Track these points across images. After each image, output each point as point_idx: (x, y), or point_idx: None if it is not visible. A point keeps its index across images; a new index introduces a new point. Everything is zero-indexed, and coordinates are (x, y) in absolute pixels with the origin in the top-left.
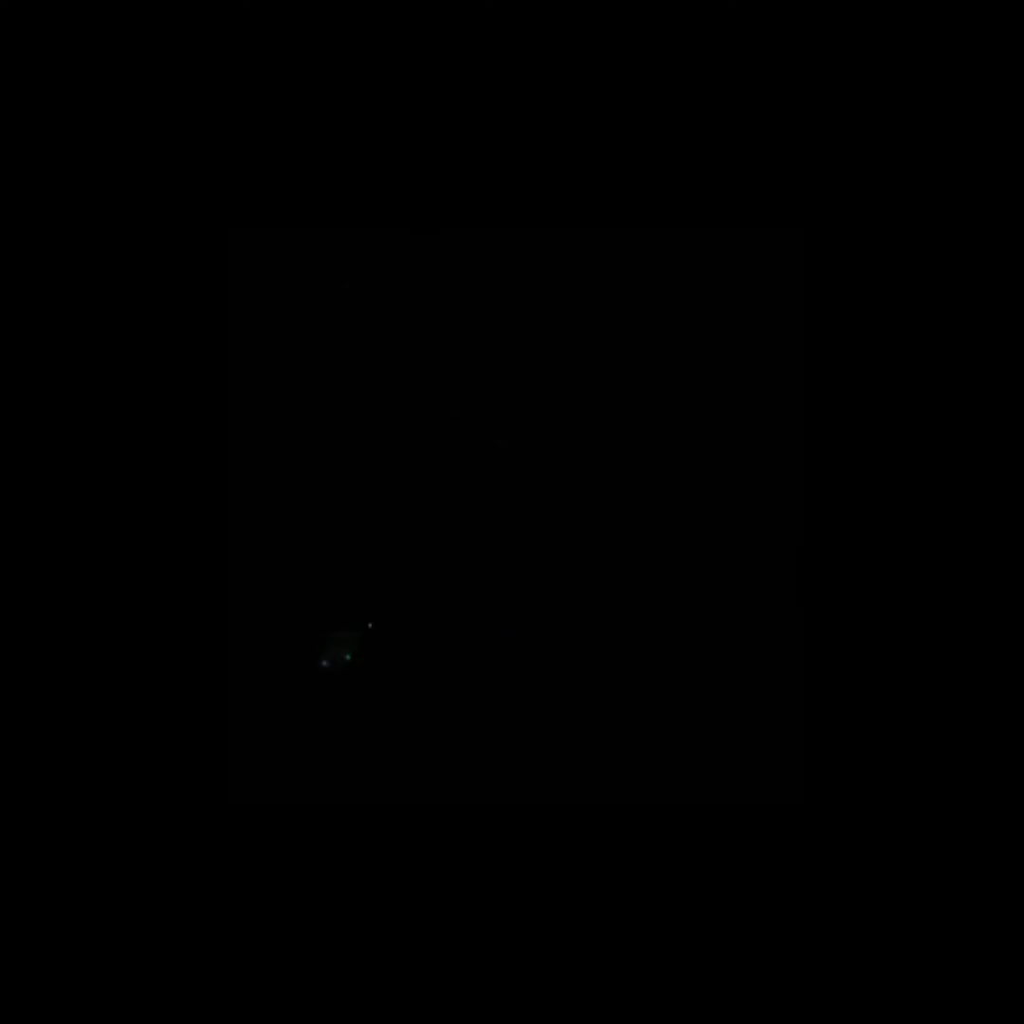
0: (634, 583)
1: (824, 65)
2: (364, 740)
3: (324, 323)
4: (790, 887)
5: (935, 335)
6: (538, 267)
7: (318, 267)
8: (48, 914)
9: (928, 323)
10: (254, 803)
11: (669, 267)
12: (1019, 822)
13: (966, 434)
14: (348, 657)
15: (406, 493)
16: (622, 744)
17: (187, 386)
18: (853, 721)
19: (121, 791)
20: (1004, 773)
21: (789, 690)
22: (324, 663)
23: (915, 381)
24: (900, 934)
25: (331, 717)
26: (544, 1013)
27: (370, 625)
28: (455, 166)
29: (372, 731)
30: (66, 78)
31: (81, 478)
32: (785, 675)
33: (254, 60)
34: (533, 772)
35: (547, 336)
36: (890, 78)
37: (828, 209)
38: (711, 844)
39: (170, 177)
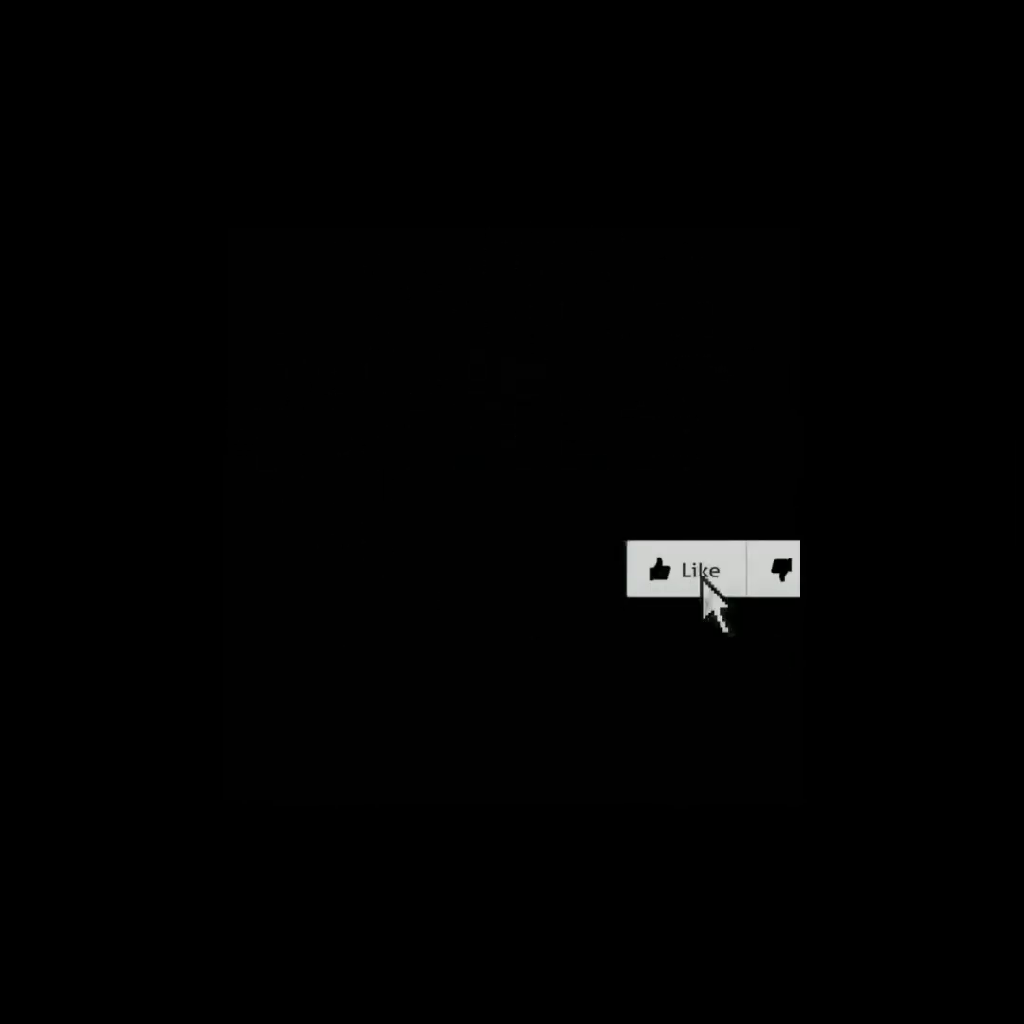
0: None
1: (820, 66)
2: (360, 738)
3: (324, 322)
4: (790, 887)
5: (931, 334)
6: (535, 266)
7: (318, 267)
8: (40, 910)
9: (924, 322)
10: (248, 799)
11: (667, 267)
12: (1019, 822)
13: (963, 433)
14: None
15: (406, 492)
16: (623, 744)
17: (187, 385)
18: (853, 721)
19: (114, 785)
20: (1004, 774)
21: (789, 690)
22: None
23: (911, 380)
24: (900, 934)
25: (327, 714)
26: (543, 1012)
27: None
28: (455, 166)
29: (368, 729)
30: (66, 78)
31: (80, 476)
32: (785, 675)
33: (254, 60)
34: (532, 771)
35: (548, 334)
36: (886, 78)
37: (824, 209)
38: (711, 844)
39: (170, 177)
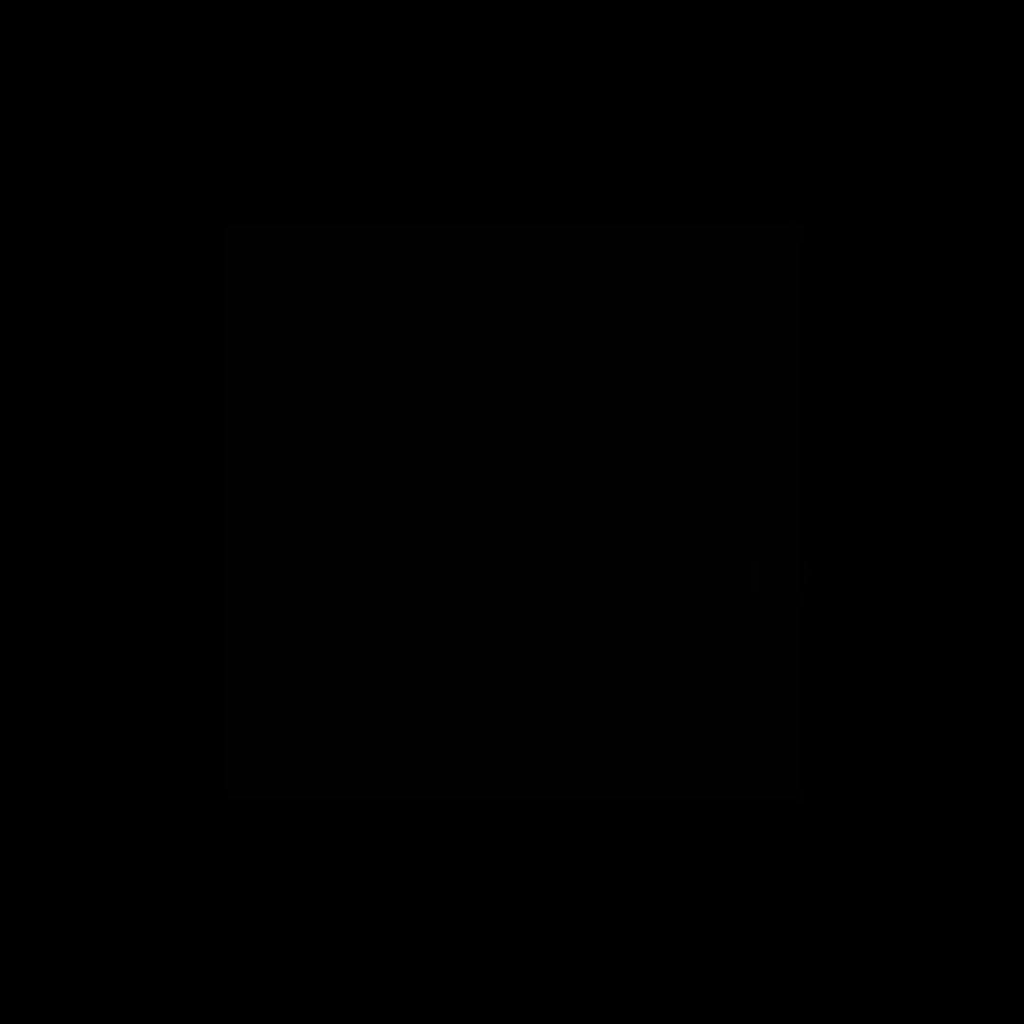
0: (633, 581)
1: (823, 64)
2: (362, 735)
3: (320, 318)
4: (787, 881)
5: (934, 332)
6: (537, 263)
7: (314, 263)
8: (45, 910)
9: (927, 320)
10: (250, 798)
11: (669, 263)
12: (1016, 816)
13: (963, 430)
14: None
15: (404, 488)
16: (623, 740)
17: (183, 381)
18: (850, 717)
19: (117, 786)
20: (999, 769)
21: (786, 686)
22: None
23: (913, 378)
24: (896, 929)
25: (329, 713)
26: (543, 1006)
27: None
28: (454, 162)
29: (370, 726)
30: (63, 76)
31: (77, 474)
32: (782, 671)
33: (250, 58)
34: (534, 768)
35: (547, 331)
36: (889, 76)
37: (827, 206)
38: (710, 838)
39: (166, 174)
